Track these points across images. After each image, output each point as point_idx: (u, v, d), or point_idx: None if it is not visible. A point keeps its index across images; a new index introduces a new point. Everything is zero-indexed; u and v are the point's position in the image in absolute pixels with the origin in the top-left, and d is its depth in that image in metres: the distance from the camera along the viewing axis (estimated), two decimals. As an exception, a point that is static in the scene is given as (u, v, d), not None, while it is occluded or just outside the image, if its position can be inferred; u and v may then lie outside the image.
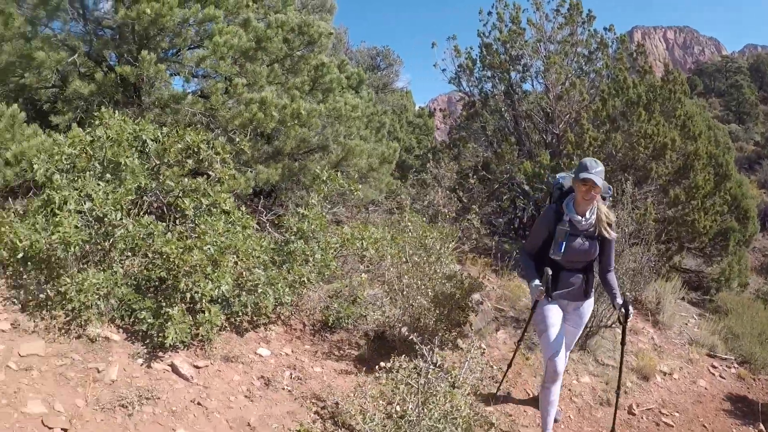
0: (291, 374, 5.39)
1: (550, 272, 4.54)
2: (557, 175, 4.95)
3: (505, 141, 12.59)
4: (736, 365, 9.75)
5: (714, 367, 9.33)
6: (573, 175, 4.59)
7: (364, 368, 5.49)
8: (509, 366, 5.79)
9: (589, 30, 13.15)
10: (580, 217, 4.56)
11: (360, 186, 7.21)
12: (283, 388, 5.12)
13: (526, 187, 12.39)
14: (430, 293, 5.90)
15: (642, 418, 6.44)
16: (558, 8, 13.12)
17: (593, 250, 4.70)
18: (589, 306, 5.09)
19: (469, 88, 14.36)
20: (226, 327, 5.63)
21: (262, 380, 5.17)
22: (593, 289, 5.03)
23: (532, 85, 13.76)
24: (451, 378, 4.85)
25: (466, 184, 12.61)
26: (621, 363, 5.05)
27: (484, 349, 6.92)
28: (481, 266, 9.77)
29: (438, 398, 4.37)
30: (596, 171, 4.36)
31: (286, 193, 8.54)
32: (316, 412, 4.86)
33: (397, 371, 4.48)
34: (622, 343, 4.92)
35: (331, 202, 8.10)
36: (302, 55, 8.05)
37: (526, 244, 5.00)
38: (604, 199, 4.77)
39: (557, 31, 13.17)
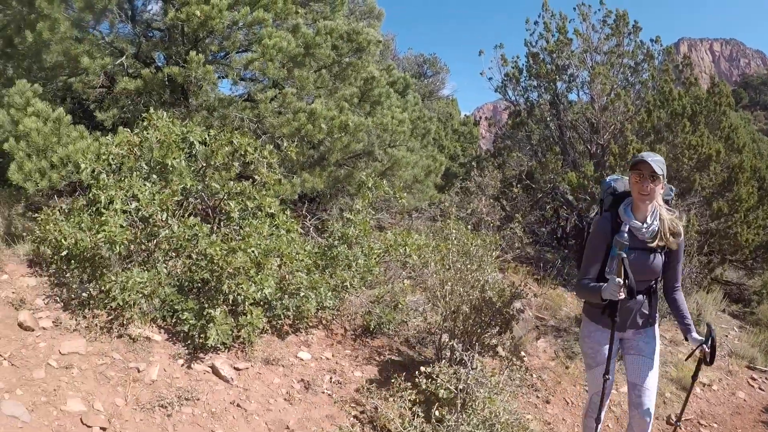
0: (331, 378, 5.39)
1: (625, 256, 3.51)
2: (608, 178, 4.13)
3: (550, 150, 12.46)
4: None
5: (753, 379, 9.26)
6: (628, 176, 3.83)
7: (404, 373, 5.40)
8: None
9: (635, 41, 13.00)
10: (640, 224, 3.71)
11: (404, 194, 7.18)
12: (323, 392, 5.13)
13: (570, 197, 12.30)
14: (471, 300, 5.68)
15: (681, 428, 6.35)
16: (605, 19, 12.99)
17: (657, 265, 3.80)
18: (654, 334, 4.04)
19: (515, 97, 14.27)
20: (267, 330, 5.64)
21: (302, 383, 5.18)
22: (657, 315, 4.10)
23: (578, 96, 13.70)
24: (491, 384, 4.81)
25: (509, 193, 12.55)
26: (687, 398, 4.31)
27: (525, 357, 6.92)
28: (523, 275, 9.68)
29: (477, 404, 4.37)
30: (653, 159, 3.58)
31: (331, 199, 8.55)
32: (355, 416, 4.85)
33: (437, 376, 4.46)
34: (694, 378, 4.04)
35: (375, 209, 8.13)
36: (350, 61, 7.96)
37: (581, 274, 3.95)
38: (667, 203, 3.90)
39: (603, 41, 13.02)
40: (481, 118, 17.93)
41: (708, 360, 3.71)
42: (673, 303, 3.98)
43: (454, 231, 6.37)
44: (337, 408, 4.95)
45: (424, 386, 4.65)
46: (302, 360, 5.54)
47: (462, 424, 4.23)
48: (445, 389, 4.41)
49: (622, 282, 3.48)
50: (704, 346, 3.69)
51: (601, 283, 3.66)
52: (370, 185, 6.76)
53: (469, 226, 9.38)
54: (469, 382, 4.49)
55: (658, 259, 3.80)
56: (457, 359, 5.04)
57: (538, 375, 6.74)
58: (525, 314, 7.78)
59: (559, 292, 9.71)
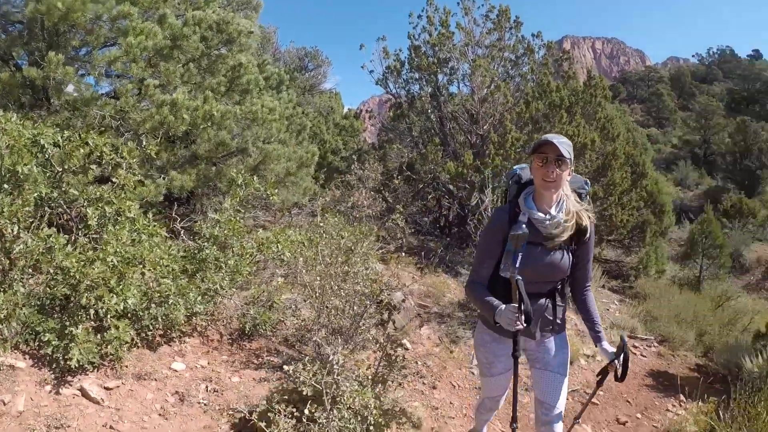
0: (207, 387, 5.17)
1: (520, 279, 3.02)
2: (516, 167, 3.60)
3: (431, 141, 12.59)
4: (656, 344, 10.51)
5: (635, 347, 10.00)
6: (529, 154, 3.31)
7: (283, 374, 5.30)
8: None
9: (516, 36, 13.36)
10: (542, 215, 3.21)
11: (277, 190, 6.94)
12: (199, 403, 4.91)
13: (451, 187, 12.49)
14: (343, 294, 5.52)
15: (568, 399, 6.53)
16: (487, 14, 13.32)
17: (564, 264, 3.31)
18: (561, 342, 3.57)
19: (396, 90, 14.32)
20: (137, 343, 5.31)
21: (177, 396, 4.93)
22: (564, 319, 3.58)
23: (459, 88, 13.90)
24: (361, 377, 4.78)
25: (391, 185, 12.61)
26: (588, 401, 4.00)
27: (408, 346, 6.92)
28: (406, 265, 9.76)
29: (346, 398, 4.27)
30: (560, 141, 3.12)
31: (202, 199, 8.15)
32: (232, 425, 4.70)
33: (300, 373, 4.31)
34: (599, 384, 3.53)
35: (253, 207, 7.87)
36: (220, 54, 7.65)
37: (473, 272, 3.45)
38: (580, 197, 3.43)
39: (485, 35, 13.33)
40: (361, 111, 17.82)
41: (620, 376, 3.25)
42: (583, 305, 3.54)
43: (321, 225, 6.22)
44: (213, 418, 4.76)
45: (291, 385, 4.51)
46: (176, 371, 5.27)
47: (333, 420, 4.11)
48: (309, 386, 4.25)
49: (517, 309, 3.01)
50: (616, 361, 3.26)
51: (494, 301, 3.18)
52: (239, 182, 6.51)
53: (349, 220, 9.38)
54: (336, 377, 4.37)
55: (565, 257, 3.31)
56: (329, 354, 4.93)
57: (423, 362, 6.81)
58: (406, 303, 7.82)
59: (443, 279, 9.90)
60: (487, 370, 3.62)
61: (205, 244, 5.95)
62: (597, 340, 3.43)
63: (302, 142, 9.23)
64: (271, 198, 6.79)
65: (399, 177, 12.66)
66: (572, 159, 3.19)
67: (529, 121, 11.76)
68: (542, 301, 3.38)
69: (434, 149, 12.18)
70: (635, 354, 9.67)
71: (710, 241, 21.85)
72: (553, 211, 3.23)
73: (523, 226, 3.16)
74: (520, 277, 3.01)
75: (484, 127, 12.64)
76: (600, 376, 3.45)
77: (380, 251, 8.42)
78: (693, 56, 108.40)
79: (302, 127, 9.63)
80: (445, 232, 13.78)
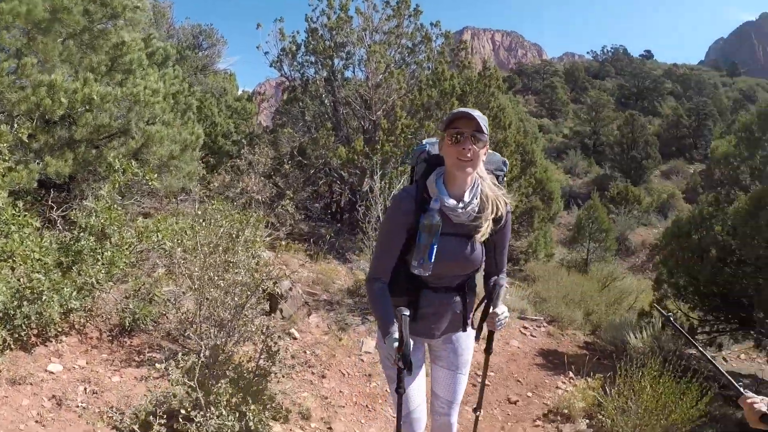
0: (86, 389, 4.94)
1: (407, 314, 2.62)
2: (425, 141, 3.12)
3: (323, 126, 12.50)
4: (545, 324, 10.88)
5: (525, 327, 10.31)
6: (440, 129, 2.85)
7: (169, 369, 5.13)
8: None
9: (415, 24, 13.39)
10: (454, 202, 2.76)
11: (157, 175, 6.68)
12: (78, 406, 4.68)
13: (342, 172, 12.46)
14: (222, 284, 5.23)
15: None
16: (387, 0, 13.25)
17: (478, 256, 2.92)
18: (467, 340, 3.25)
19: (291, 73, 14.09)
20: (10, 345, 4.99)
21: (54, 400, 4.69)
22: (472, 315, 3.21)
23: (354, 73, 13.86)
24: (247, 370, 4.68)
25: (282, 170, 12.47)
26: (482, 385, 3.49)
27: (296, 335, 6.88)
28: (295, 251, 9.68)
29: (221, 394, 4.16)
30: (477, 114, 2.69)
31: (82, 184, 7.66)
32: (114, 428, 4.47)
33: (172, 371, 4.18)
34: (487, 351, 3.21)
35: (135, 193, 7.58)
36: (103, 29, 7.15)
37: (373, 266, 2.99)
38: (498, 180, 3.02)
39: (384, 22, 13.28)
40: (255, 93, 17.40)
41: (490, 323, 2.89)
42: (492, 284, 3.01)
43: (199, 213, 6.02)
44: (92, 421, 4.53)
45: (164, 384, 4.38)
46: (53, 373, 5.01)
47: (211, 418, 4.01)
48: (182, 385, 4.14)
49: (398, 349, 2.62)
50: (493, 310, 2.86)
51: (390, 320, 2.74)
52: (117, 167, 6.21)
53: (238, 206, 9.20)
54: (214, 372, 4.28)
55: (478, 249, 2.91)
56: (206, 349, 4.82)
57: (312, 351, 6.77)
58: (294, 291, 7.67)
59: (333, 266, 9.89)
60: (392, 370, 2.96)
61: (82, 234, 5.62)
62: (490, 303, 2.96)
63: (188, 122, 8.79)
64: (150, 184, 6.53)
65: (290, 162, 12.51)
66: (488, 135, 2.77)
67: (421, 108, 11.88)
68: (451, 296, 3.01)
69: (326, 134, 12.11)
70: (525, 335, 9.98)
71: (597, 225, 22.84)
72: (467, 196, 2.78)
73: (436, 214, 2.71)
74: (407, 313, 2.60)
75: (377, 114, 12.66)
76: (486, 348, 3.17)
77: (269, 238, 8.30)
78: (588, 53, 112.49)
79: (188, 106, 9.18)
80: (337, 218, 13.76)
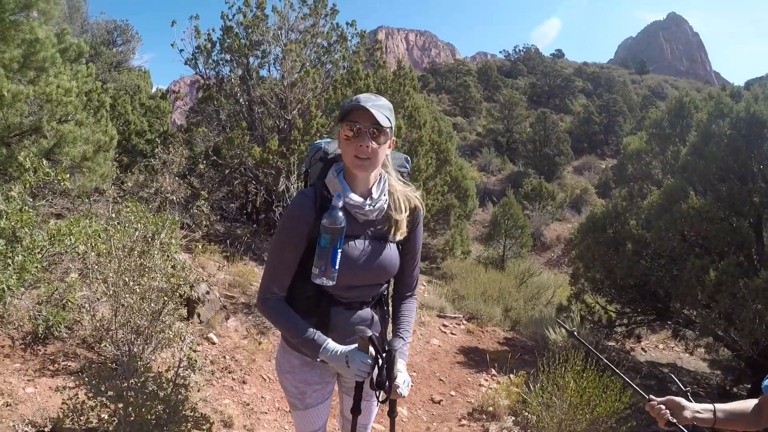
0: (-1, 401, 4.61)
1: (370, 334, 2.27)
2: (319, 141, 2.74)
3: (238, 126, 12.16)
4: (464, 322, 10.94)
5: (445, 326, 10.31)
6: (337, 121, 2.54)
7: (85, 380, 4.81)
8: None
9: (331, 23, 13.32)
10: (360, 198, 2.44)
11: (69, 176, 6.34)
12: (-10, 419, 4.34)
13: (257, 172, 12.21)
14: (138, 290, 4.97)
15: None
16: (304, -1, 13.15)
17: (393, 261, 2.58)
18: None
19: (206, 71, 13.73)
20: None
21: (-36, 415, 4.34)
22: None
23: (269, 72, 13.65)
24: (161, 379, 4.43)
25: (196, 170, 12.17)
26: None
27: (215, 341, 6.66)
28: (211, 253, 9.40)
29: (137, 406, 3.94)
30: (375, 104, 2.35)
31: None
32: None
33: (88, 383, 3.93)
34: (391, 415, 2.58)
35: (47, 193, 7.18)
36: (14, 20, 6.67)
37: (266, 284, 2.50)
38: (402, 176, 2.71)
39: (300, 20, 13.15)
40: (169, 91, 16.92)
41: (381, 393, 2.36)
42: (398, 310, 2.75)
43: (113, 216, 5.73)
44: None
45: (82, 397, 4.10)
46: (-38, 386, 4.65)
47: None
48: (99, 397, 3.89)
49: (370, 367, 2.30)
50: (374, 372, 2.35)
51: (314, 333, 2.38)
52: (27, 167, 5.82)
53: (151, 207, 8.87)
54: (131, 383, 4.03)
55: (391, 252, 2.56)
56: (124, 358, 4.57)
57: (232, 356, 6.57)
58: (211, 295, 7.41)
59: (250, 268, 9.69)
60: (299, 401, 2.76)
61: None
62: (395, 334, 2.66)
63: (101, 121, 8.45)
64: (62, 184, 6.17)
65: (205, 162, 12.25)
66: (393, 127, 2.45)
67: (336, 107, 11.74)
68: (366, 312, 2.60)
69: (241, 134, 11.82)
70: (445, 333, 9.99)
71: (512, 222, 23.24)
72: (374, 192, 2.49)
73: (340, 213, 2.33)
74: (369, 333, 2.26)
75: (293, 113, 12.51)
76: (390, 412, 2.58)
77: (185, 240, 8.00)
78: (500, 52, 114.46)
79: (101, 104, 8.80)
80: (252, 219, 13.62)
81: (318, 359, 2.41)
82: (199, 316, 6.79)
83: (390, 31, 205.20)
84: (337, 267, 2.35)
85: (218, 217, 12.08)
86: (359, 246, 2.47)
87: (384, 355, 2.32)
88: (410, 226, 2.61)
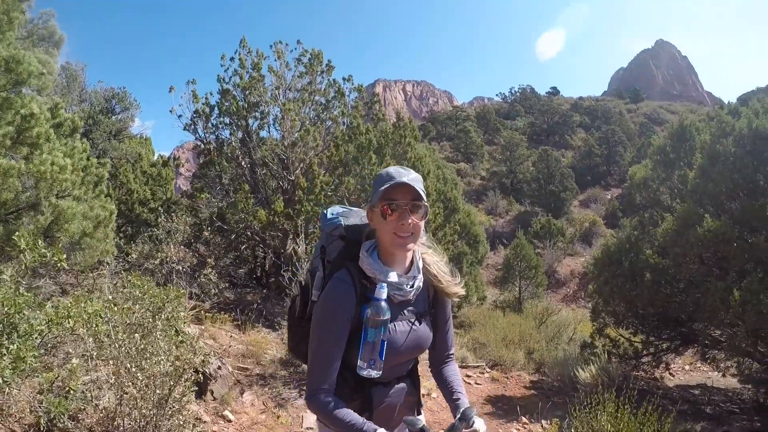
0: (2, 503, 4.30)
1: (420, 427, 2.19)
2: (329, 212, 2.61)
3: (241, 189, 12.07)
4: (488, 370, 10.71)
5: (468, 376, 10.09)
6: (370, 199, 2.40)
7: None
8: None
9: (328, 79, 13.40)
10: (400, 280, 2.34)
11: (65, 256, 6.14)
12: None
13: (264, 235, 12.09)
14: (141, 377, 4.74)
15: None
16: (300, 57, 13.26)
17: (428, 336, 2.50)
18: None
19: (206, 135, 13.63)
20: None
21: None
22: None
23: (269, 132, 13.59)
24: None
25: (201, 237, 12.07)
26: None
27: (230, 418, 6.42)
28: (222, 323, 9.19)
29: None
30: (411, 178, 2.30)
31: None
32: None
33: None
34: None
35: (43, 274, 7.03)
36: (7, 97, 6.57)
37: (315, 378, 2.28)
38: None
39: (297, 79, 13.24)
40: (173, 158, 16.85)
41: None
42: (444, 376, 2.65)
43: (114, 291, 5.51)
44: None
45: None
46: (-36, 488, 4.35)
47: None
48: None
49: None
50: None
51: (370, 425, 2.17)
52: (23, 247, 5.49)
53: (157, 279, 8.70)
54: None
55: (426, 328, 2.48)
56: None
57: None
58: (223, 370, 7.15)
59: (263, 335, 9.42)
60: None
61: None
62: (455, 407, 2.49)
63: (99, 195, 8.31)
64: (59, 265, 5.99)
65: (210, 228, 12.10)
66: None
67: (339, 164, 11.72)
68: (402, 384, 2.51)
69: (244, 197, 11.72)
70: (469, 383, 9.75)
71: (525, 263, 23.07)
72: (413, 270, 2.40)
73: (384, 304, 2.22)
74: (473, 413, 2.25)
75: (295, 172, 12.44)
76: None
77: (194, 311, 7.82)
78: (497, 95, 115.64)
79: (100, 178, 8.65)
80: (262, 283, 13.35)
81: None
82: (212, 392, 6.54)
83: (387, 83, 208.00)
84: (383, 357, 2.27)
85: (227, 284, 11.86)
86: (399, 329, 2.36)
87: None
88: (434, 301, 2.55)
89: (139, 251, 10.50)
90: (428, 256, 2.52)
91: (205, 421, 5.80)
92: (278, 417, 6.76)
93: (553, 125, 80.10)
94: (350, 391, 2.35)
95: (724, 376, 11.04)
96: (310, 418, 6.77)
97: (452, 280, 2.52)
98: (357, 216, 2.57)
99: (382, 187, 2.27)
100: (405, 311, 2.39)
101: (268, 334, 9.50)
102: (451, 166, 47.98)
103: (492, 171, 58.26)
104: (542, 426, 7.24)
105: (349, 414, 2.22)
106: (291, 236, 10.89)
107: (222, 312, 9.77)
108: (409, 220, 2.25)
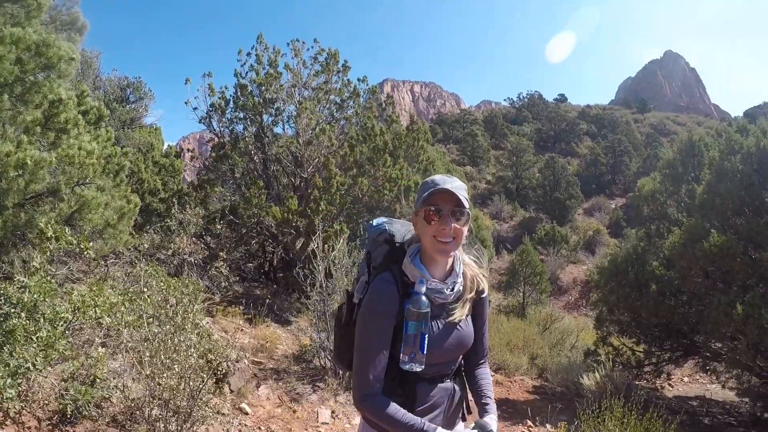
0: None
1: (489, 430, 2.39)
2: (375, 221, 2.74)
3: (254, 185, 12.05)
4: (492, 373, 10.66)
5: None
6: (415, 205, 2.51)
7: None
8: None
9: (343, 79, 13.47)
10: (440, 285, 2.43)
11: (92, 243, 6.20)
12: None
13: (275, 231, 12.15)
14: (177, 369, 4.85)
15: None
16: (316, 56, 13.34)
17: (470, 335, 2.59)
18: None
19: (220, 129, 13.77)
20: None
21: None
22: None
23: (284, 129, 13.66)
24: None
25: (213, 230, 12.11)
26: None
27: (248, 411, 6.53)
28: (233, 316, 9.30)
29: None
30: (455, 185, 2.39)
31: (10, 250, 6.84)
32: None
33: None
34: None
35: (65, 261, 7.11)
36: (36, 81, 6.48)
37: (364, 378, 2.34)
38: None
39: (313, 78, 13.32)
40: (182, 149, 16.65)
41: None
42: (475, 378, 2.73)
43: (146, 289, 5.59)
44: None
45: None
46: (-10, 473, 4.39)
47: None
48: None
49: None
50: None
51: (424, 424, 2.27)
52: (50, 235, 5.63)
53: (169, 269, 8.79)
54: None
55: (469, 327, 2.58)
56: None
57: (267, 426, 6.33)
58: (240, 364, 7.27)
59: (273, 330, 9.52)
60: None
61: (13, 311, 4.90)
62: (484, 413, 2.58)
63: (120, 185, 8.28)
64: (86, 253, 6.04)
65: (221, 222, 12.15)
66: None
67: (354, 164, 11.84)
68: (448, 384, 2.57)
69: (258, 192, 11.74)
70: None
71: (530, 269, 23.11)
72: (453, 275, 2.49)
73: (423, 298, 2.31)
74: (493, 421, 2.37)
75: (309, 170, 12.52)
76: None
77: (206, 303, 7.93)
78: (505, 100, 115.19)
79: (120, 167, 8.52)
80: (271, 278, 13.44)
81: None
82: (229, 385, 6.66)
83: (395, 83, 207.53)
84: (425, 351, 2.34)
85: (236, 278, 11.95)
86: (442, 327, 2.45)
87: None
88: (474, 303, 2.61)
89: (150, 241, 10.58)
90: (468, 260, 2.60)
91: (224, 414, 5.90)
92: (294, 411, 6.86)
93: (560, 132, 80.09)
94: (395, 388, 2.42)
95: (723, 387, 11.25)
96: (325, 414, 6.90)
97: (469, 295, 2.56)
98: (400, 224, 2.68)
99: (426, 193, 2.37)
100: (447, 311, 2.47)
101: (277, 329, 9.61)
102: (458, 169, 48.03)
103: (498, 176, 58.19)
104: (548, 430, 7.38)
105: (406, 415, 2.30)
106: (303, 234, 10.99)
107: (232, 305, 9.87)
108: (451, 226, 2.33)
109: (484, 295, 2.63)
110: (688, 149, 11.96)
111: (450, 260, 2.49)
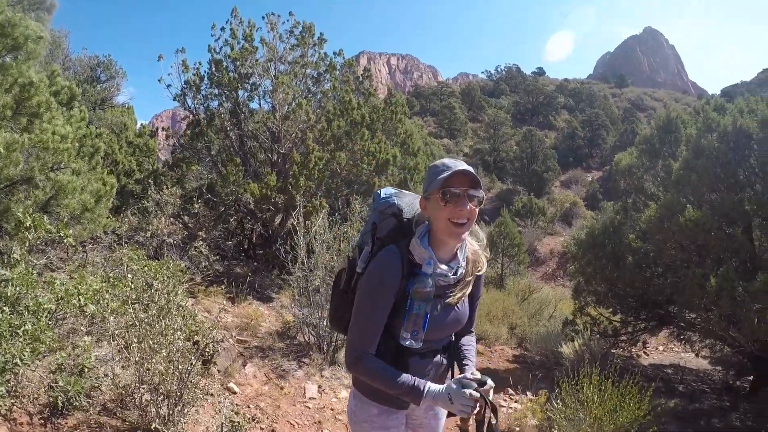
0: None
1: (490, 384, 2.45)
2: (383, 192, 2.75)
3: (231, 162, 11.98)
4: (474, 343, 10.87)
5: None
6: (425, 189, 2.51)
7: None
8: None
9: (319, 52, 13.30)
10: (445, 267, 2.49)
11: (71, 230, 6.11)
12: None
13: (253, 208, 12.07)
14: (165, 353, 4.81)
15: None
16: (292, 30, 13.12)
17: (465, 315, 2.69)
18: None
19: (195, 106, 13.43)
20: None
21: None
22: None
23: (260, 105, 13.46)
24: None
25: (191, 209, 11.96)
26: None
27: (236, 390, 6.54)
28: (215, 296, 9.27)
29: None
30: (469, 169, 2.42)
31: None
32: None
33: None
34: None
35: (43, 250, 6.98)
36: (3, 63, 6.36)
37: (358, 342, 2.48)
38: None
39: (289, 51, 13.13)
40: (157, 128, 16.33)
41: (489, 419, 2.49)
42: (459, 345, 2.83)
43: (129, 275, 5.53)
44: None
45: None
46: (-13, 473, 4.34)
47: None
48: None
49: (475, 405, 2.35)
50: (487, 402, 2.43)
51: (411, 379, 2.40)
52: (28, 224, 5.54)
53: (148, 251, 8.70)
54: None
55: (464, 307, 2.67)
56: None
57: (256, 404, 6.35)
58: (225, 343, 7.27)
59: (255, 308, 9.50)
60: None
61: None
62: (463, 369, 2.70)
63: (96, 167, 8.13)
64: (65, 241, 5.94)
65: (199, 201, 11.93)
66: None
67: (332, 139, 11.80)
68: (437, 358, 2.69)
69: (235, 170, 11.66)
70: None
71: (508, 240, 23.30)
72: (457, 259, 2.54)
73: (430, 280, 2.41)
74: (489, 383, 2.43)
75: (286, 146, 12.42)
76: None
77: (188, 284, 7.88)
78: (482, 73, 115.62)
79: (96, 149, 8.33)
80: (251, 256, 13.35)
81: (422, 403, 2.41)
82: (215, 365, 6.66)
83: (372, 55, 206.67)
84: (425, 329, 2.45)
85: (216, 257, 11.77)
86: (441, 307, 2.54)
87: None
88: (473, 280, 2.66)
89: (127, 224, 10.41)
90: (473, 243, 2.65)
91: (212, 394, 5.91)
92: (281, 388, 6.89)
93: (538, 105, 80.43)
94: (389, 360, 2.50)
95: (697, 356, 11.64)
96: (312, 389, 6.95)
97: (470, 277, 2.63)
98: (409, 197, 2.73)
99: (442, 176, 2.38)
100: (447, 293, 2.54)
101: (260, 307, 9.59)
102: (436, 141, 48.06)
103: (475, 148, 58.34)
104: (531, 398, 7.50)
105: (398, 372, 2.41)
106: (282, 210, 10.93)
107: (213, 285, 9.83)
108: (467, 208, 2.36)
109: (481, 273, 2.70)
110: (666, 125, 12.06)
111: (462, 240, 2.51)
